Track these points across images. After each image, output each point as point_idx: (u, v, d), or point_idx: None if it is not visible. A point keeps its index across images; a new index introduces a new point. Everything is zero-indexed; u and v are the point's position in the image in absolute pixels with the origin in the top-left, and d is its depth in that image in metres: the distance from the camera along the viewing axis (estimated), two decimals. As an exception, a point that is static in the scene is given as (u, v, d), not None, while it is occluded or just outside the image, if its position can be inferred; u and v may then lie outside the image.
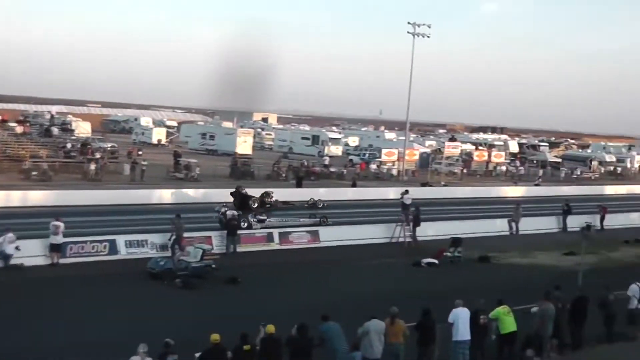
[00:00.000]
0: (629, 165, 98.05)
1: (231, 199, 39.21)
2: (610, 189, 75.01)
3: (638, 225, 48.88)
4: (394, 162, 75.73)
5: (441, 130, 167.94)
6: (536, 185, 72.03)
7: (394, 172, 73.17)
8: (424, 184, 65.30)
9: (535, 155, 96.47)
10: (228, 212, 36.13)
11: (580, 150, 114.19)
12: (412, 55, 72.68)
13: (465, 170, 79.29)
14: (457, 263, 33.57)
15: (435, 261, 33.14)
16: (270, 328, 16.21)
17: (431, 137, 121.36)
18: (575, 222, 41.62)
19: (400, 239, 37.83)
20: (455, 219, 44.92)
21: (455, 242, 34.47)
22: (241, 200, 38.81)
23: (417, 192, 50.39)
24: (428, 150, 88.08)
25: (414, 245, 37.12)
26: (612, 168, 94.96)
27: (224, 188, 45.89)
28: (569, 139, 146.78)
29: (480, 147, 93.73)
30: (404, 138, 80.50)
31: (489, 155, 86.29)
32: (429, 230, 39.46)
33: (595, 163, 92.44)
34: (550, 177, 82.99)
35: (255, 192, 41.11)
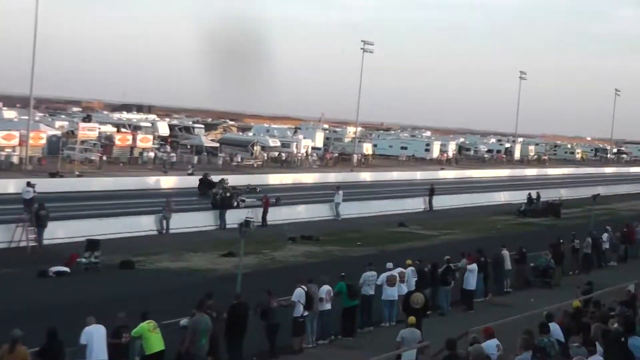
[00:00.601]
0: (295, 150, 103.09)
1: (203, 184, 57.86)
2: (275, 178, 78.36)
3: (304, 220, 51.35)
4: (14, 147, 73.37)
5: (75, 109, 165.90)
6: (190, 174, 73.19)
7: (15, 159, 71.19)
8: (53, 175, 64.20)
9: (189, 139, 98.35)
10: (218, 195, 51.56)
11: (240, 133, 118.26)
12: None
13: (105, 157, 78.97)
14: (93, 270, 33.28)
15: (67, 269, 32.70)
16: None
17: (63, 116, 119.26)
18: (235, 217, 42.96)
19: (22, 243, 36.90)
20: (92, 217, 44.61)
21: (91, 245, 34.26)
22: (208, 186, 56.85)
23: (46, 185, 49.31)
24: (59, 132, 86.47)
25: (39, 251, 36.43)
26: (276, 154, 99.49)
27: None
28: (227, 120, 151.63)
29: (123, 130, 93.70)
30: (27, 117, 78.37)
31: (134, 139, 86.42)
32: (58, 232, 39.01)
33: (257, 148, 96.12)
34: (207, 164, 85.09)
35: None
